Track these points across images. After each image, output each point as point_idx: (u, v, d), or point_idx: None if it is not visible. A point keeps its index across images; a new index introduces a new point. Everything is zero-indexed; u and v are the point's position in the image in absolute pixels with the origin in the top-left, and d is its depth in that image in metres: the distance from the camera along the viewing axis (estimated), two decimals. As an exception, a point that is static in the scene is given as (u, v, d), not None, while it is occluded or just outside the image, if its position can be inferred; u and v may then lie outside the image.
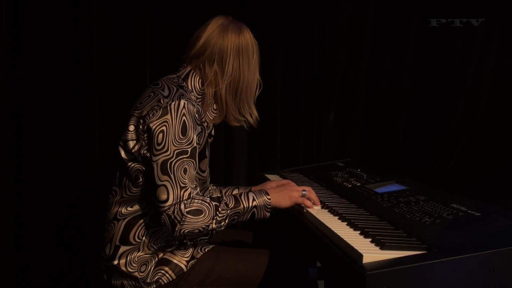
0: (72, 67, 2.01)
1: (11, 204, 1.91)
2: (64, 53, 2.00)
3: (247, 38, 1.46)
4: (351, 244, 1.06)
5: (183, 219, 1.27)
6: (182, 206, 1.28)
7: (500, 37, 2.77)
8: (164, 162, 1.29)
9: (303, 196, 1.46)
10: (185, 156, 1.31)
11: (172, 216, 1.27)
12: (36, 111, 1.93)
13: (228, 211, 1.34)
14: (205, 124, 1.49)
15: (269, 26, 2.42)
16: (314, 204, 1.48)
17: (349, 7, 2.63)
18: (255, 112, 1.52)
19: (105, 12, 2.05)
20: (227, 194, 1.75)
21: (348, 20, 2.64)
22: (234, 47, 1.44)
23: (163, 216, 1.29)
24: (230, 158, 2.40)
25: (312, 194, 1.50)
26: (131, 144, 1.37)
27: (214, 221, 1.32)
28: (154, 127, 1.31)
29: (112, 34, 2.08)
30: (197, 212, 1.29)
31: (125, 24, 2.09)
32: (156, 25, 2.20)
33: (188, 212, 1.28)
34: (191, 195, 1.30)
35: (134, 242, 1.41)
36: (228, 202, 1.36)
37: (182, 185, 1.29)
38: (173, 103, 1.32)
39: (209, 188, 1.74)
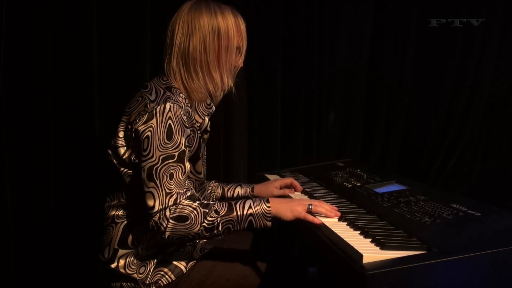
0: (72, 67, 2.01)
1: (11, 204, 1.91)
2: (64, 53, 1.99)
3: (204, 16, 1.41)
4: (351, 244, 1.06)
5: (168, 225, 1.24)
6: (167, 213, 1.24)
7: (500, 37, 2.76)
8: (150, 168, 1.26)
9: (308, 210, 1.33)
10: (171, 161, 1.27)
11: (158, 223, 1.24)
12: (36, 111, 1.93)
13: (219, 218, 1.27)
14: (197, 125, 1.46)
15: (269, 25, 2.41)
16: (324, 217, 1.32)
17: (350, 7, 2.63)
18: (226, 81, 1.42)
19: (105, 11, 2.05)
20: (227, 193, 1.75)
21: (349, 19, 2.63)
22: (184, 21, 1.44)
23: (150, 222, 1.26)
24: (230, 158, 2.39)
25: (321, 208, 1.34)
26: (122, 150, 1.36)
27: (203, 228, 1.25)
28: (140, 132, 1.29)
29: (112, 33, 2.08)
30: (182, 219, 1.25)
31: (125, 23, 2.09)
32: (156, 24, 2.19)
33: (172, 218, 1.24)
34: (178, 201, 1.26)
35: (132, 246, 1.40)
36: (219, 209, 1.28)
37: (167, 191, 1.25)
38: (158, 107, 1.28)
39: (211, 185, 1.74)
